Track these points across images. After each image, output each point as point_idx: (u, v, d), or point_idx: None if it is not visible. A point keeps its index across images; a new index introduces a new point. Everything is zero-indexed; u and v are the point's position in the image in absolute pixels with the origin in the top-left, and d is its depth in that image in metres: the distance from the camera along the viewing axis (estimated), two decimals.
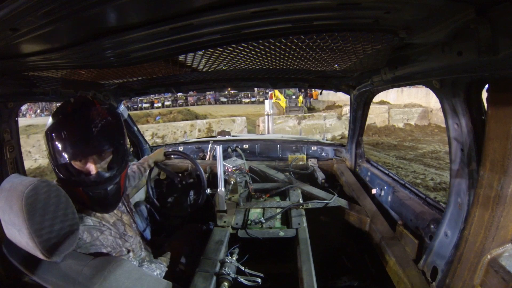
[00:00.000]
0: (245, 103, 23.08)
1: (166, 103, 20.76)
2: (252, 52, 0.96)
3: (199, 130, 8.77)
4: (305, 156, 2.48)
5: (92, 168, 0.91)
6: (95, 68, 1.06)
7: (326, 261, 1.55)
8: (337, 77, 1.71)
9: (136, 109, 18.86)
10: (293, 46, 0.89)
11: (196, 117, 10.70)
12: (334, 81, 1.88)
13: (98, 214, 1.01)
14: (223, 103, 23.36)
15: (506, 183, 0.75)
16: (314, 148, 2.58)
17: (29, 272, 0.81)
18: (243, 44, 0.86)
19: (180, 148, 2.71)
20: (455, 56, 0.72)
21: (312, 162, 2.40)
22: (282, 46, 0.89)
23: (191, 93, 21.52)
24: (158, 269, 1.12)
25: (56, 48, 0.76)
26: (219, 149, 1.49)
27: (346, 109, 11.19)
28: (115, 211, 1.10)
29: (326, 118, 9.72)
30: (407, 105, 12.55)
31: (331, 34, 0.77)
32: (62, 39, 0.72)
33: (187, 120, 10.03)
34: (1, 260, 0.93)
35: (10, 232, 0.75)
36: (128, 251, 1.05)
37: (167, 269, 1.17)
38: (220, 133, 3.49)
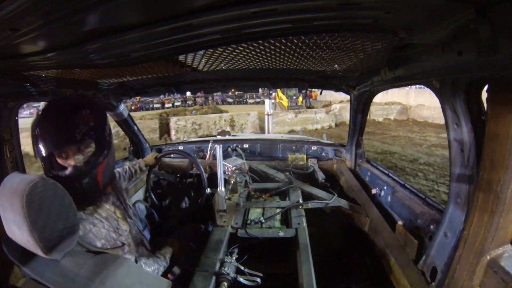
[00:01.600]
0: (251, 103, 23.91)
1: (176, 103, 21.80)
2: (252, 52, 0.96)
3: (225, 120, 11.51)
4: (305, 156, 2.48)
5: (70, 162, 0.93)
6: (95, 68, 1.06)
7: (326, 261, 1.55)
8: (337, 77, 1.71)
9: (148, 109, 19.77)
10: (293, 46, 0.89)
11: (221, 111, 14.42)
12: (334, 81, 1.88)
13: (90, 208, 1.02)
14: (229, 103, 24.17)
15: (506, 183, 0.75)
16: (314, 148, 2.58)
17: (29, 269, 0.82)
18: (243, 44, 0.86)
19: (180, 148, 2.71)
20: (455, 56, 0.72)
21: (312, 162, 2.40)
22: (282, 46, 0.89)
23: (199, 94, 22.15)
24: (155, 263, 1.12)
25: (56, 48, 0.76)
26: (219, 149, 1.49)
27: (334, 106, 13.62)
28: (107, 206, 1.10)
29: (317, 113, 12.57)
30: (387, 103, 14.63)
31: (331, 34, 0.77)
32: (62, 39, 0.72)
33: (215, 113, 13.19)
34: (1, 258, 0.93)
35: (10, 229, 0.76)
36: (123, 244, 1.06)
37: (166, 264, 1.17)
38: (220, 133, 3.49)
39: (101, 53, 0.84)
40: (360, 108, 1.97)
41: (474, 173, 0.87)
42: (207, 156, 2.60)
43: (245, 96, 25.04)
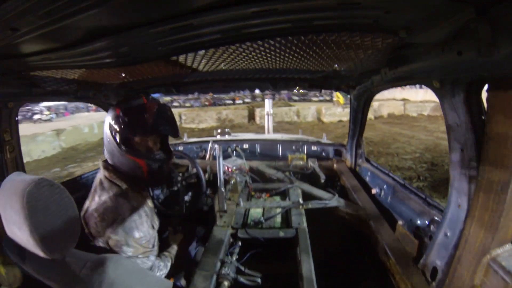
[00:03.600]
0: (314, 101, 25.99)
1: (246, 100, 24.03)
2: (252, 52, 0.96)
3: (293, 112, 15.24)
4: (305, 156, 2.48)
5: (158, 146, 1.20)
6: (95, 68, 1.06)
7: (326, 261, 1.55)
8: (337, 77, 1.71)
9: (220, 105, 21.58)
10: (293, 47, 0.89)
11: (290, 105, 18.17)
12: (334, 81, 1.88)
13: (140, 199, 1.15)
14: (295, 100, 26.10)
15: (506, 183, 0.75)
16: (314, 148, 2.58)
17: (30, 269, 0.82)
18: (243, 44, 0.86)
19: (180, 148, 2.71)
20: (455, 56, 0.72)
21: (312, 162, 2.40)
22: (282, 47, 0.89)
23: (267, 92, 23.47)
24: (165, 268, 1.18)
25: (56, 48, 0.76)
26: (219, 149, 1.49)
27: (374, 103, 15.59)
28: (149, 202, 1.22)
29: None
30: (422, 101, 16.90)
31: (331, 34, 0.77)
32: (62, 39, 0.72)
33: (286, 106, 17.05)
34: (2, 257, 0.93)
35: (11, 229, 0.75)
36: (153, 247, 1.13)
37: (170, 264, 1.23)
38: (220, 133, 3.49)
39: (101, 53, 0.84)
40: (360, 108, 1.97)
41: (474, 173, 0.88)
42: (207, 156, 2.60)
43: (309, 94, 27.61)
